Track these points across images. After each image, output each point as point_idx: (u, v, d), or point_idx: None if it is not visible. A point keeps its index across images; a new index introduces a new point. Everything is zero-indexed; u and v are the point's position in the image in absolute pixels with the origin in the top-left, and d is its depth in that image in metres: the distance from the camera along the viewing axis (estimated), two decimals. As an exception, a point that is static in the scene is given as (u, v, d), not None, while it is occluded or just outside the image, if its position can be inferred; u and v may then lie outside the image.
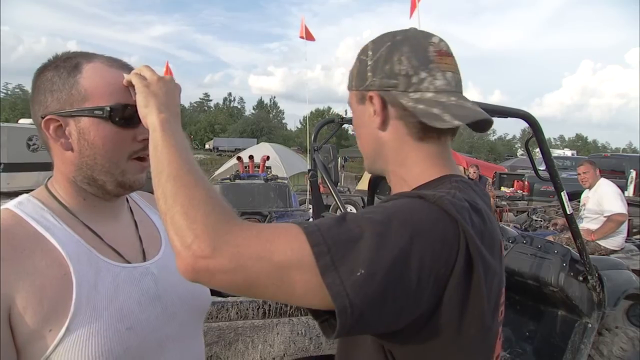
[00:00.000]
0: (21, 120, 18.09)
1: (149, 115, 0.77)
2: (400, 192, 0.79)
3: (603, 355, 2.63)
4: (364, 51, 0.84)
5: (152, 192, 1.12)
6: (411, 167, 0.82)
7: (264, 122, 58.53)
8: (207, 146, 53.67)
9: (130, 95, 0.84)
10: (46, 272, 0.75)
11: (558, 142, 73.75)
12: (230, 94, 72.04)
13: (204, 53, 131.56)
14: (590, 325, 2.56)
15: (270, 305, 1.89)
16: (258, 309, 1.88)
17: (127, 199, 0.98)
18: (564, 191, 2.30)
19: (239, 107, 70.82)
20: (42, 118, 0.82)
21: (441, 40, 0.83)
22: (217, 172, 16.64)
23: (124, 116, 0.83)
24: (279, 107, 70.01)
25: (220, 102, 71.55)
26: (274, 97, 72.80)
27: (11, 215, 0.79)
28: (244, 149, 20.75)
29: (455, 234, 0.67)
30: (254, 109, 68.10)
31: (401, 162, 0.83)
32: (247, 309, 1.86)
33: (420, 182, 0.80)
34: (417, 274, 0.63)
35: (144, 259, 0.90)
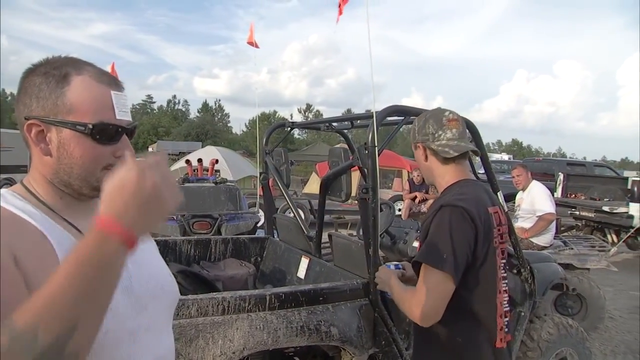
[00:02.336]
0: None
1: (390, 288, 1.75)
2: (440, 200, 1.63)
3: (534, 340, 2.88)
4: (415, 122, 1.73)
5: None
6: (444, 177, 1.69)
7: (209, 125, 57.42)
8: (150, 149, 51.98)
9: (114, 114, 0.87)
10: (35, 251, 0.77)
11: (496, 147, 77.24)
12: (174, 96, 70.15)
13: (147, 54, 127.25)
14: (523, 314, 2.80)
15: (229, 302, 1.95)
16: (217, 305, 1.93)
17: None
18: (500, 192, 2.52)
19: (184, 109, 69.21)
20: (26, 120, 0.85)
21: (451, 112, 1.69)
22: (162, 176, 16.22)
23: (105, 134, 0.86)
24: (224, 110, 69.04)
25: (164, 105, 69.72)
26: (219, 100, 71.81)
27: None
28: (189, 153, 20.33)
29: (469, 217, 1.53)
30: (198, 111, 66.64)
31: (439, 175, 1.70)
32: (207, 306, 1.91)
33: (448, 184, 1.67)
34: (463, 249, 1.52)
35: None
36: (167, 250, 3.19)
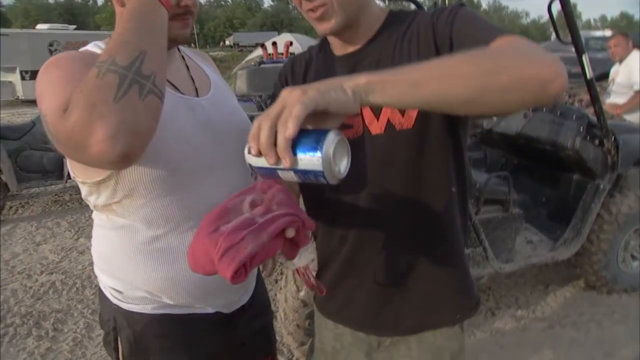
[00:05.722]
0: (39, 26, 17.94)
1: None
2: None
3: (611, 213, 2.77)
4: None
5: None
6: (372, 6, 0.94)
7: (284, 14, 56.08)
8: (227, 42, 52.27)
9: None
10: None
11: (599, 23, 68.74)
12: (247, -14, 68.21)
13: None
14: (602, 187, 2.69)
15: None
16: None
17: (181, 55, 1.08)
18: (585, 54, 2.31)
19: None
20: None
21: None
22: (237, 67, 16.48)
23: None
24: (299, -3, 66.17)
25: (238, -5, 68.24)
26: (294, -14, 68.58)
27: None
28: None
29: None
30: (272, 0, 64.89)
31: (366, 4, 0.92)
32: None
33: (380, 17, 0.95)
34: None
35: (197, 95, 1.02)
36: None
